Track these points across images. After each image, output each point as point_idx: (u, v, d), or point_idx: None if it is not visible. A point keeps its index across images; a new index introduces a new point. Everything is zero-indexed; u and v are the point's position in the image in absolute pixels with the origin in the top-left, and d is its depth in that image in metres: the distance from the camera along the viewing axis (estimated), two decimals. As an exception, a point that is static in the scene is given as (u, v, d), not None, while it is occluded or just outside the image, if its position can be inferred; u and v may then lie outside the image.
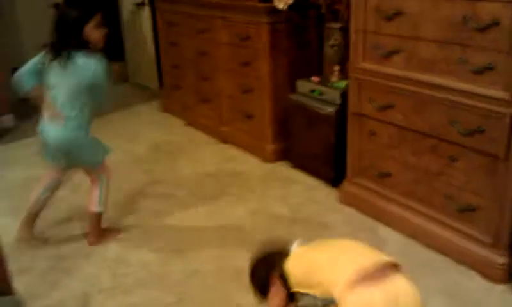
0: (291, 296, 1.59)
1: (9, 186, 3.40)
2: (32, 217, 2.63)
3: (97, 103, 2.38)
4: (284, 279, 1.59)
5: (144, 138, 4.24)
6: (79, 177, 2.90)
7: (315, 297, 1.46)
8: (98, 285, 2.37)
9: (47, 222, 2.85)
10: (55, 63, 2.28)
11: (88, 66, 2.26)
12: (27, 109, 5.44)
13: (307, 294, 1.49)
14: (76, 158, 2.48)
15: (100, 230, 2.68)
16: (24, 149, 3.99)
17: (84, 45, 2.27)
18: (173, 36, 4.47)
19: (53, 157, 2.50)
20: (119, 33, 6.00)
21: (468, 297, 2.19)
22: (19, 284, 1.78)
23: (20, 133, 4.33)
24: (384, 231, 2.68)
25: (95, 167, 2.56)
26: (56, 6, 4.48)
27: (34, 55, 2.43)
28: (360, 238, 2.63)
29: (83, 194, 3.12)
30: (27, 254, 2.59)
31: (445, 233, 2.43)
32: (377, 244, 2.56)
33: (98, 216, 2.63)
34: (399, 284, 1.41)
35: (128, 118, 4.79)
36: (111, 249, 2.64)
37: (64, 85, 2.29)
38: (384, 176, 2.69)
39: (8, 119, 4.63)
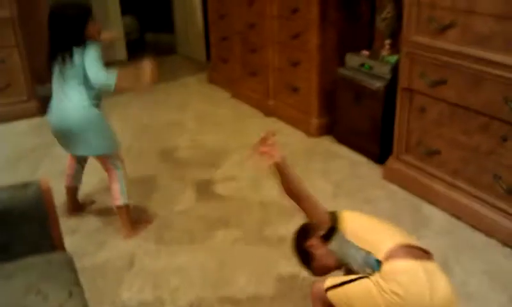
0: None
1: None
2: (73, 191, 2.70)
3: (96, 80, 2.28)
4: (327, 238, 1.67)
5: (191, 109, 4.30)
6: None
7: (358, 251, 1.57)
8: (144, 247, 2.44)
9: (95, 186, 2.95)
10: (59, 60, 2.30)
11: (85, 51, 2.29)
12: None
13: (353, 246, 1.59)
14: (89, 141, 2.38)
15: (132, 220, 2.57)
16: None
17: (83, 42, 2.30)
18: (222, 8, 4.48)
19: (65, 144, 2.44)
20: (169, 5, 6.06)
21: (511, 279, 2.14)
22: (68, 243, 1.85)
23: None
24: (428, 209, 2.64)
25: (109, 155, 2.46)
26: None
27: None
28: (402, 215, 2.65)
29: (132, 157, 3.23)
30: (76, 216, 2.69)
31: (492, 214, 2.37)
32: (420, 221, 2.54)
33: (126, 208, 2.53)
34: (434, 266, 1.51)
35: (176, 89, 4.86)
36: (158, 214, 2.71)
37: (70, 75, 2.30)
38: (432, 153, 2.64)
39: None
